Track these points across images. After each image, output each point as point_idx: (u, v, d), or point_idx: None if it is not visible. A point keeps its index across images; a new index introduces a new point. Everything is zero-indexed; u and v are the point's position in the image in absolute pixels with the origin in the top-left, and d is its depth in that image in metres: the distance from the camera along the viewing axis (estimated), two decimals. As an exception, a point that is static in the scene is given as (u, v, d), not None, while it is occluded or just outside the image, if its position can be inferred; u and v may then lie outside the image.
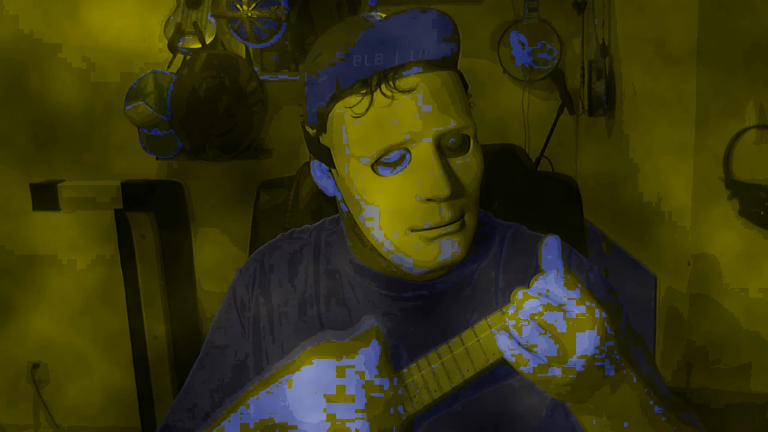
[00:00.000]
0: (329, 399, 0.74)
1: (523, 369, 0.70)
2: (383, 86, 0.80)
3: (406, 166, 0.82)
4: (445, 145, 0.82)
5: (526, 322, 0.69)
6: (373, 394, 0.75)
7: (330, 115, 0.84)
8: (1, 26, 2.59)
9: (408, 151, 0.81)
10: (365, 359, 0.75)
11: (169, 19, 2.51)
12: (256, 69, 2.58)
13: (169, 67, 2.49)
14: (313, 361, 0.76)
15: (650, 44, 2.05)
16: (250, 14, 2.45)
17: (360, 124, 0.81)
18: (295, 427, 0.76)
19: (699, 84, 1.76)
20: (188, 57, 2.47)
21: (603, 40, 2.36)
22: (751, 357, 1.79)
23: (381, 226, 0.84)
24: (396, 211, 0.82)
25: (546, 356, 0.69)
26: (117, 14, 2.55)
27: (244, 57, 2.59)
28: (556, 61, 2.58)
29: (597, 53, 2.38)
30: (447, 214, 0.82)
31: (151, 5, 2.55)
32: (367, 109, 0.80)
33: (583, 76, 2.48)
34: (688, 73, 1.79)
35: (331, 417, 0.74)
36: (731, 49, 1.71)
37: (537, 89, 2.67)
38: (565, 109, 2.59)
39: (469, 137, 0.84)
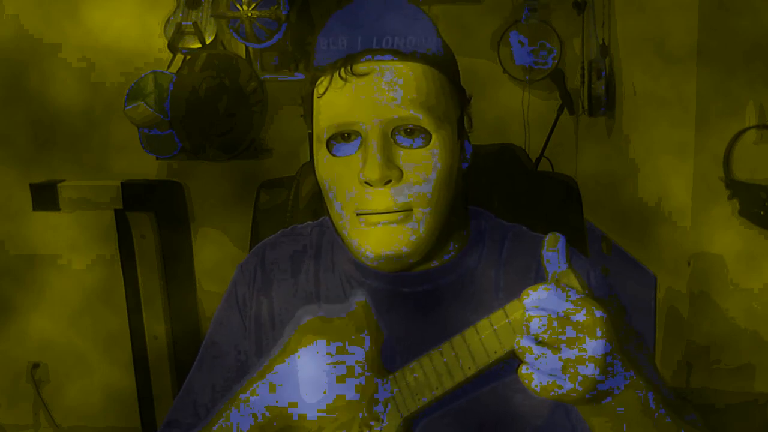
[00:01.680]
0: (330, 373, 0.77)
1: (535, 387, 0.69)
2: (342, 69, 0.83)
3: (357, 149, 0.85)
4: (398, 134, 0.84)
5: (528, 345, 0.69)
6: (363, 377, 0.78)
7: (308, 99, 0.89)
8: (1, 26, 2.59)
9: (359, 134, 0.84)
10: (356, 354, 0.78)
11: (169, 19, 2.51)
12: (257, 69, 2.58)
13: (169, 67, 2.49)
14: (312, 341, 0.78)
15: (650, 44, 2.05)
16: (250, 14, 2.44)
17: (320, 104, 0.86)
18: (295, 405, 0.78)
19: (699, 84, 1.76)
20: (188, 57, 2.47)
21: (603, 40, 2.36)
22: (752, 357, 1.79)
23: (337, 208, 0.87)
24: (346, 193, 0.85)
25: (556, 373, 0.68)
26: (117, 14, 2.55)
27: (244, 57, 2.59)
28: (556, 61, 2.58)
29: (597, 53, 2.38)
30: (386, 200, 0.83)
31: (151, 5, 2.55)
32: (326, 90, 0.85)
33: (583, 76, 2.48)
34: (688, 73, 1.79)
35: (332, 392, 0.77)
36: (731, 49, 1.71)
37: (537, 89, 2.67)
38: (565, 109, 2.59)
39: (429, 132, 0.84)
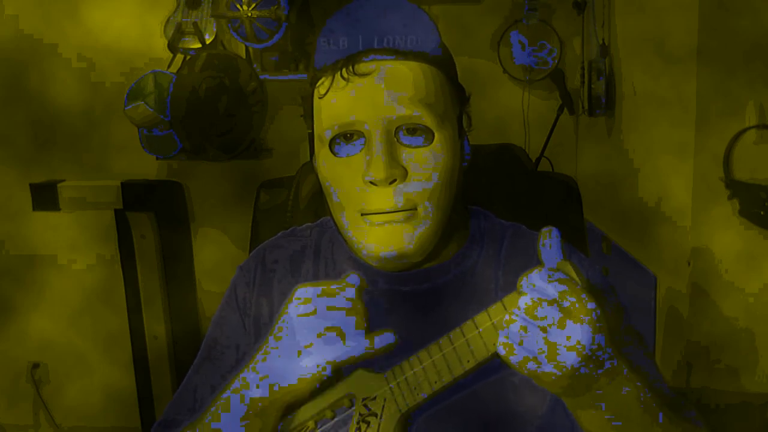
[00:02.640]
0: (323, 326, 0.77)
1: (513, 360, 0.70)
2: (343, 69, 0.83)
3: (360, 149, 0.84)
4: (401, 133, 0.84)
5: (515, 319, 0.70)
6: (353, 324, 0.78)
7: (309, 100, 0.89)
8: (1, 26, 2.59)
9: (363, 134, 0.84)
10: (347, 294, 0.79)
11: (169, 19, 2.51)
12: (257, 69, 2.58)
13: (169, 67, 2.49)
14: (303, 300, 0.79)
15: (650, 44, 2.05)
16: (250, 14, 2.44)
17: (321, 104, 0.86)
18: (295, 389, 0.77)
19: (699, 84, 1.76)
20: (188, 57, 2.47)
21: (603, 40, 2.36)
22: (751, 357, 1.79)
23: (340, 209, 0.87)
24: (349, 193, 0.85)
25: (537, 351, 0.69)
26: (117, 14, 2.55)
27: (244, 57, 2.59)
28: (556, 61, 2.58)
29: (597, 53, 2.38)
30: (391, 199, 0.83)
31: (151, 5, 2.55)
32: (327, 90, 0.84)
33: (583, 76, 2.48)
34: (688, 73, 1.79)
35: (327, 341, 0.76)
36: (731, 49, 1.71)
37: (537, 89, 2.67)
38: (565, 109, 2.59)
39: (432, 131, 0.84)
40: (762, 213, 1.68)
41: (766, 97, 1.69)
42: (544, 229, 0.73)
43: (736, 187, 1.73)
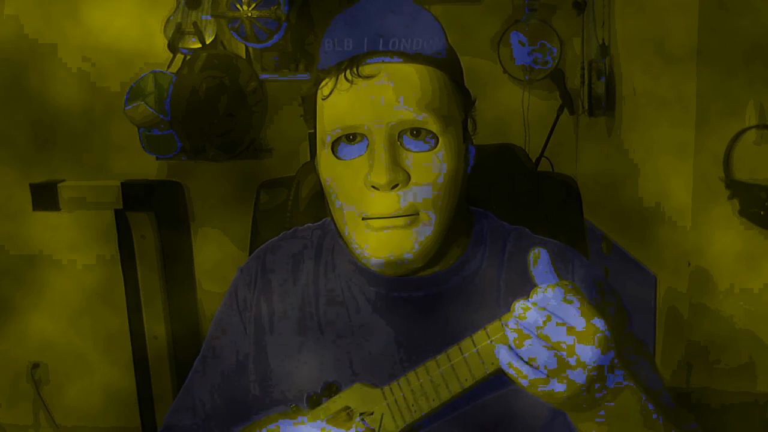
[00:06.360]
0: None
1: (523, 382, 0.69)
2: (347, 71, 0.82)
3: (363, 152, 0.83)
4: (405, 137, 0.83)
5: (528, 336, 0.68)
6: None
7: (311, 100, 0.88)
8: (1, 26, 2.59)
9: (366, 137, 0.83)
10: None
11: (169, 19, 2.51)
12: (257, 68, 2.58)
13: (169, 67, 2.49)
14: None
15: (650, 44, 2.05)
16: (250, 14, 2.44)
17: (324, 106, 0.85)
18: None
19: (699, 84, 1.76)
20: (188, 57, 2.47)
21: (603, 40, 2.36)
22: (752, 357, 1.79)
23: (341, 212, 0.86)
24: (351, 196, 0.84)
25: (546, 369, 0.68)
26: (117, 14, 2.55)
27: (244, 57, 2.59)
28: (556, 61, 2.58)
29: (597, 53, 2.38)
30: (393, 204, 0.82)
31: (151, 5, 2.55)
32: (331, 92, 0.83)
33: (583, 76, 2.48)
34: (688, 73, 1.79)
35: None
36: (731, 49, 1.71)
37: (537, 89, 2.67)
38: (565, 109, 2.59)
39: (437, 135, 0.83)
40: (762, 213, 1.68)
41: (766, 97, 1.69)
42: (533, 253, 0.71)
43: (736, 187, 1.73)
